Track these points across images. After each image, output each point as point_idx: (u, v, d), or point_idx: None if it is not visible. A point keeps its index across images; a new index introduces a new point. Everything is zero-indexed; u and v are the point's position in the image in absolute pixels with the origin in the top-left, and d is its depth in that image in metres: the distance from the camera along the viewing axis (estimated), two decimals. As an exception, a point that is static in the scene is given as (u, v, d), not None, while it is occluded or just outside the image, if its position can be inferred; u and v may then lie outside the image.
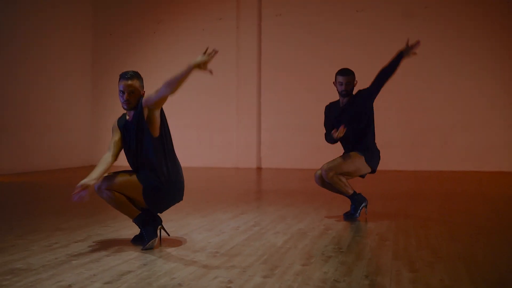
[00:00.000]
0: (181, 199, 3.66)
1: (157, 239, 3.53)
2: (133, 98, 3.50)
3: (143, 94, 3.56)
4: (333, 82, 4.90)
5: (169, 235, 3.77)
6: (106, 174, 3.56)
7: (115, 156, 3.64)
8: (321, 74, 11.43)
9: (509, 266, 3.07)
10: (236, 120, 11.97)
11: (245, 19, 11.97)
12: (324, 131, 4.96)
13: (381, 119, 10.28)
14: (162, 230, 3.68)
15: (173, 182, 3.53)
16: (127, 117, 3.63)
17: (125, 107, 3.54)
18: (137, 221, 3.58)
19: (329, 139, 4.75)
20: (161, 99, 3.44)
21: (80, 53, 12.50)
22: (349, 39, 11.30)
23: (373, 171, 4.78)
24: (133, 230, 4.13)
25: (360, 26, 11.26)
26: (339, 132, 4.49)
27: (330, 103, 5.05)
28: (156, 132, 3.52)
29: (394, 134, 10.77)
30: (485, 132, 10.54)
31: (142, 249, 3.46)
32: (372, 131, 4.81)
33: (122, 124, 3.67)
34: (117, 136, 3.68)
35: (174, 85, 3.35)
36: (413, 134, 10.86)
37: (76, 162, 12.07)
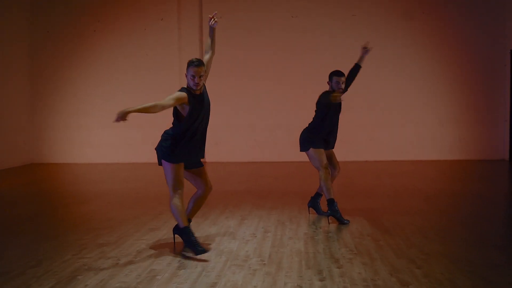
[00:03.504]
0: None
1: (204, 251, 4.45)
2: (202, 81, 4.53)
3: (206, 77, 4.70)
4: (327, 82, 5.90)
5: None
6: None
7: (164, 108, 4.35)
8: (261, 76, 12.41)
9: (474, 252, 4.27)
10: (181, 118, 12.60)
11: (186, 20, 12.54)
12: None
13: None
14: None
15: None
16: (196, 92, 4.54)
17: (194, 88, 4.53)
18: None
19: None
20: None
21: (16, 50, 12.34)
22: (285, 41, 12.33)
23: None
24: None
25: (295, 30, 12.33)
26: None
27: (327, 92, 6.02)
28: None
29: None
30: (404, 127, 12.18)
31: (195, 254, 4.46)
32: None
33: (192, 97, 4.52)
34: (184, 100, 4.46)
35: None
36: (343, 130, 12.16)
37: (15, 162, 12.01)
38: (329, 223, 5.58)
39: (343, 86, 5.80)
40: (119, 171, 10.82)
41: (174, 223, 5.59)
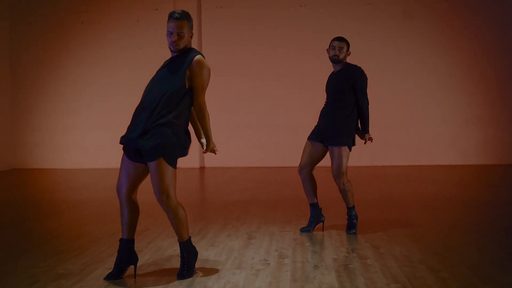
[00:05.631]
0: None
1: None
2: (181, 41, 3.45)
3: (192, 36, 3.55)
4: (327, 50, 4.89)
5: (135, 277, 3.54)
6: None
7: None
8: (264, 70, 11.14)
9: None
10: (177, 118, 11.35)
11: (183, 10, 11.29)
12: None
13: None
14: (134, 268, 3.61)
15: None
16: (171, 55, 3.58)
17: (172, 48, 3.50)
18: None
19: None
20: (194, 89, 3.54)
21: (-4, 45, 11.14)
22: (292, 34, 11.09)
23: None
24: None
25: (303, 21, 11.11)
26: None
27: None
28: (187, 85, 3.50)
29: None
30: (421, 128, 10.91)
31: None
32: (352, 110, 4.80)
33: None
34: None
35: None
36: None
37: (-4, 167, 10.80)
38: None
39: (339, 53, 4.77)
40: (107, 177, 9.53)
41: (161, 243, 4.35)
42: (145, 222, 5.20)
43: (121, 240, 3.55)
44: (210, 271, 3.62)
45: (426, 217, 5.41)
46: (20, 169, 11.16)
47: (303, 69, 10.90)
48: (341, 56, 4.78)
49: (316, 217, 4.84)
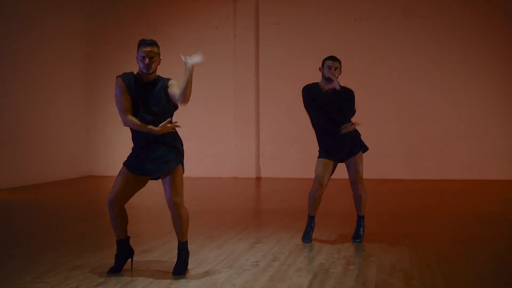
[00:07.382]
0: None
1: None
2: (153, 63, 3.88)
3: (160, 61, 3.96)
4: (319, 68, 5.01)
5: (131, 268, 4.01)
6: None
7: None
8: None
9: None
10: (234, 130, 11.87)
11: (242, 27, 11.86)
12: (309, 114, 5.16)
13: (379, 129, 10.38)
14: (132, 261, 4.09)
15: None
16: (144, 79, 3.96)
17: (145, 71, 3.90)
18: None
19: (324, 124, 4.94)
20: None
21: (74, 63, 12.29)
22: (348, 47, 11.23)
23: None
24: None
25: (359, 35, 11.22)
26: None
27: (309, 85, 5.17)
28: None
29: (391, 144, 10.75)
30: (483, 140, 10.57)
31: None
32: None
33: (133, 84, 3.94)
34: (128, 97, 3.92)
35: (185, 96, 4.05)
36: (410, 143, 10.83)
37: (73, 174, 11.87)
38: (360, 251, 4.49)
39: (336, 73, 4.86)
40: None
41: (172, 244, 4.77)
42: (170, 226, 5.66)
43: (119, 241, 4.01)
44: (200, 269, 3.99)
45: (445, 231, 5.40)
46: (94, 176, 12.18)
47: (357, 83, 10.93)
48: (337, 74, 4.88)
49: (312, 227, 5.03)
